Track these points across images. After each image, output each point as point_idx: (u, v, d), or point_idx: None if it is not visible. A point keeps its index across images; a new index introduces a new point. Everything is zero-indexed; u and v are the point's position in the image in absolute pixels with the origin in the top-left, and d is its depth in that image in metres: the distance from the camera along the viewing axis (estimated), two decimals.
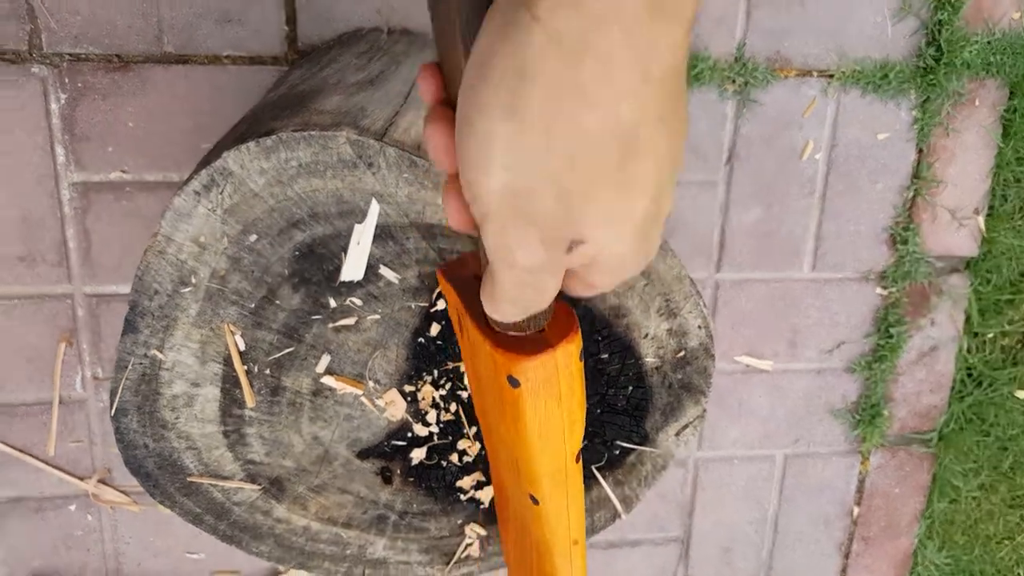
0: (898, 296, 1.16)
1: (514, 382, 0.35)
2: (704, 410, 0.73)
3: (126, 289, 0.96)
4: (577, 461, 0.41)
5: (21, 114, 0.88)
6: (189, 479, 0.64)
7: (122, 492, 1.04)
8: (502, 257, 0.28)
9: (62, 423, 1.00)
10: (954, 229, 1.13)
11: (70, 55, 0.87)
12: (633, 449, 0.71)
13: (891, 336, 1.17)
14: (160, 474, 0.64)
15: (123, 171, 0.91)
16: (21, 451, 1.00)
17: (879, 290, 1.16)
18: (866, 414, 1.21)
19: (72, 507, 1.04)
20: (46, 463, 1.01)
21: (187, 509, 0.65)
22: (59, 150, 0.89)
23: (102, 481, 1.03)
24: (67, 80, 0.87)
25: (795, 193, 1.08)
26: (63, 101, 0.88)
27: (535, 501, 0.43)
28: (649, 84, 0.24)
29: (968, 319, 1.19)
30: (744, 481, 1.21)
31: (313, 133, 0.57)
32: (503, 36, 0.24)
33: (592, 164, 0.25)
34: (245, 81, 0.90)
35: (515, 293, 0.30)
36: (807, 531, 1.27)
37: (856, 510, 1.27)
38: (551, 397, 0.36)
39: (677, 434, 0.72)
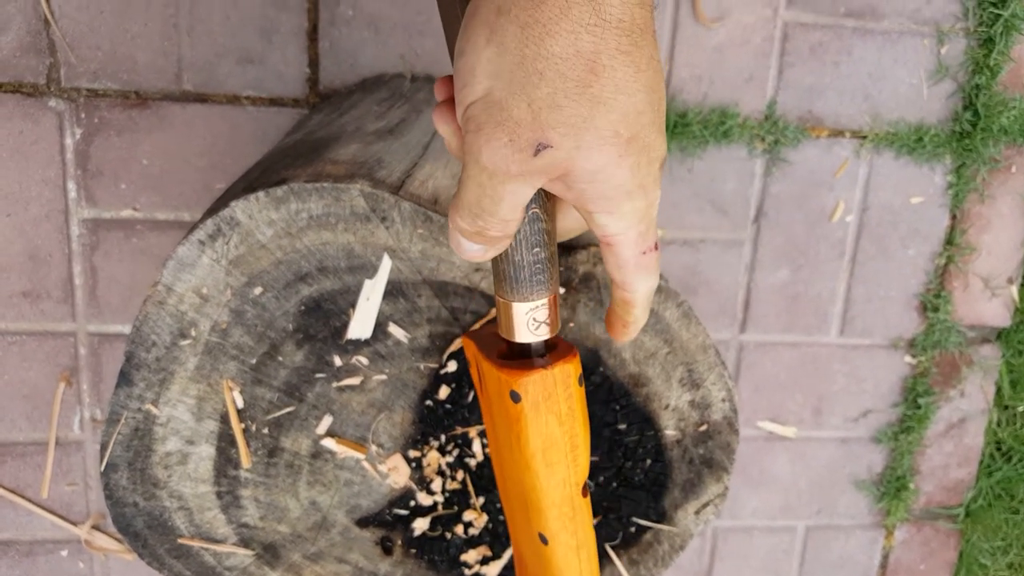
0: (927, 365, 1.11)
1: (515, 396, 0.39)
2: (726, 488, 0.68)
3: (130, 329, 0.93)
4: (584, 495, 0.43)
5: (35, 148, 0.87)
6: (180, 541, 0.60)
7: (116, 539, 1.00)
8: (473, 155, 0.33)
9: (57, 465, 0.96)
10: (987, 298, 1.09)
11: (88, 90, 0.86)
12: (650, 527, 0.67)
13: (919, 406, 1.12)
14: (149, 534, 0.60)
15: (135, 209, 0.89)
16: (13, 492, 0.97)
17: (908, 358, 1.11)
18: (891, 486, 1.16)
19: (64, 552, 1.00)
20: (39, 506, 0.98)
21: (176, 572, 0.61)
22: (71, 185, 0.88)
23: (96, 527, 0.99)
24: (83, 115, 0.86)
25: (824, 255, 1.05)
26: (78, 136, 0.87)
27: (544, 540, 0.44)
28: (604, 22, 0.30)
29: (999, 391, 1.14)
30: (764, 553, 1.15)
31: (326, 184, 0.54)
32: None
33: (556, 79, 0.30)
34: (264, 122, 0.89)
35: (475, 196, 0.34)
36: None
37: None
38: (551, 414, 0.39)
39: (697, 512, 0.68)
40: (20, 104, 0.85)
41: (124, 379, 0.56)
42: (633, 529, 0.66)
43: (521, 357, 0.42)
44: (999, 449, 1.17)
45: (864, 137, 0.99)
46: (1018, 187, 1.05)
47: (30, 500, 0.97)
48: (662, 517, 0.67)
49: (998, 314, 1.10)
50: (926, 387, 1.12)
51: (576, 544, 0.44)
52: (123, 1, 0.83)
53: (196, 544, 0.61)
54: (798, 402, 1.10)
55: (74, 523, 0.99)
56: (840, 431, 1.13)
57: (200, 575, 0.62)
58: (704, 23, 0.92)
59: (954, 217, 1.05)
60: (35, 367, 0.93)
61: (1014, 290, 1.09)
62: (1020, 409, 1.16)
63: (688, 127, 0.93)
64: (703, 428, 0.66)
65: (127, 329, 0.93)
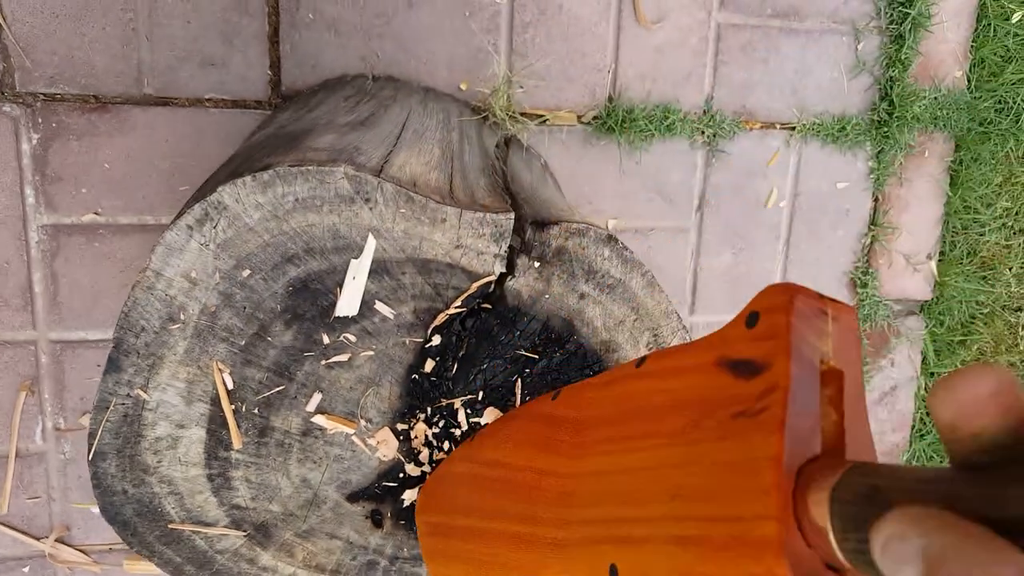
0: (861, 339, 1.20)
1: None
2: None
3: (94, 335, 0.92)
4: None
5: None
6: (170, 526, 0.61)
7: (80, 551, 0.97)
8: None
9: (18, 478, 0.94)
10: (909, 274, 1.19)
11: (44, 95, 0.85)
12: None
13: None
14: (139, 522, 0.61)
15: (96, 213, 0.89)
16: None
17: None
18: None
19: (26, 569, 0.97)
20: None
21: (167, 559, 0.62)
22: (28, 191, 0.87)
23: (60, 540, 0.96)
24: (40, 120, 0.86)
25: (762, 239, 1.12)
26: (35, 141, 0.86)
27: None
28: None
29: (924, 359, 1.24)
30: None
31: (311, 168, 0.57)
32: None
33: None
34: (226, 124, 0.90)
35: None
36: None
37: None
38: None
39: None
40: None
41: (112, 365, 0.57)
42: None
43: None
44: (928, 415, 1.27)
45: (793, 128, 1.08)
46: (932, 171, 1.15)
47: None
48: None
49: (920, 288, 1.20)
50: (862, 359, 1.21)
51: None
52: (79, 5, 0.84)
53: (187, 529, 0.62)
54: None
55: (37, 537, 0.96)
56: None
57: (191, 560, 0.63)
58: (645, 25, 0.99)
59: (876, 200, 1.15)
60: None
61: (933, 265, 1.19)
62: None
63: (635, 122, 1.00)
64: None
65: (91, 335, 0.92)
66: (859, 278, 1.17)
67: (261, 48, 0.89)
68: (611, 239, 0.65)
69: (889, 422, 1.25)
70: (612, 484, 0.37)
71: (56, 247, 0.89)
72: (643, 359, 0.38)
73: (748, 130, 1.07)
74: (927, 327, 1.22)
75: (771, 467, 0.26)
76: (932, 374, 1.25)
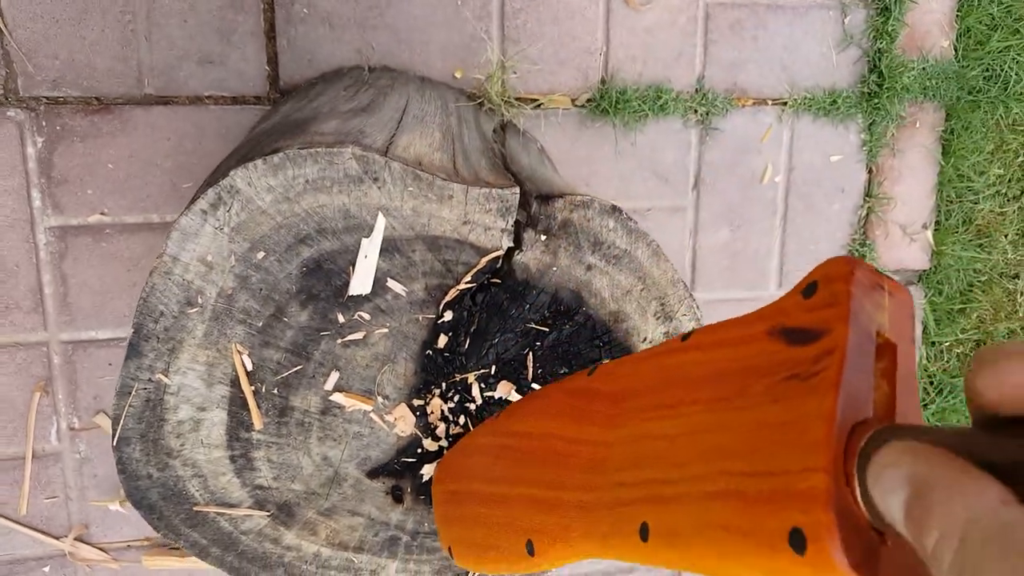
0: None
1: None
2: None
3: (104, 334, 0.93)
4: None
5: None
6: (195, 508, 0.62)
7: (100, 549, 0.98)
8: None
9: (35, 479, 0.94)
10: (906, 244, 1.20)
11: (47, 98, 0.86)
12: None
13: None
14: (164, 505, 0.62)
15: (103, 213, 0.90)
16: None
17: None
18: None
19: (47, 568, 0.98)
20: (18, 523, 0.95)
21: (193, 541, 0.63)
22: (35, 194, 0.88)
23: (79, 539, 0.97)
24: (44, 123, 0.87)
25: (758, 215, 1.14)
26: (40, 144, 0.87)
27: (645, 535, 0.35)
28: None
29: (925, 329, 1.25)
30: None
31: (319, 150, 0.58)
32: None
33: None
34: (227, 121, 0.91)
35: None
36: None
37: None
38: None
39: None
40: None
41: (133, 351, 0.58)
42: None
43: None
44: (931, 383, 1.29)
45: (784, 104, 1.10)
46: (923, 140, 1.17)
47: (8, 518, 0.95)
48: None
49: (917, 258, 1.22)
50: None
51: None
52: (78, 9, 0.85)
53: (212, 510, 0.63)
54: None
55: (56, 537, 0.97)
56: None
57: (217, 541, 0.64)
58: (634, 7, 1.00)
59: (870, 171, 1.16)
60: (8, 380, 0.91)
61: (929, 235, 1.21)
62: (945, 344, 1.28)
63: (628, 103, 1.01)
64: None
65: (101, 335, 0.93)
66: (856, 250, 1.18)
67: (258, 44, 0.90)
68: (615, 210, 0.66)
69: None
70: (648, 448, 0.37)
71: (64, 248, 0.90)
72: (689, 333, 0.38)
73: (740, 107, 1.08)
74: (926, 296, 1.23)
75: (824, 422, 0.26)
76: (933, 343, 1.27)
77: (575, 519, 0.42)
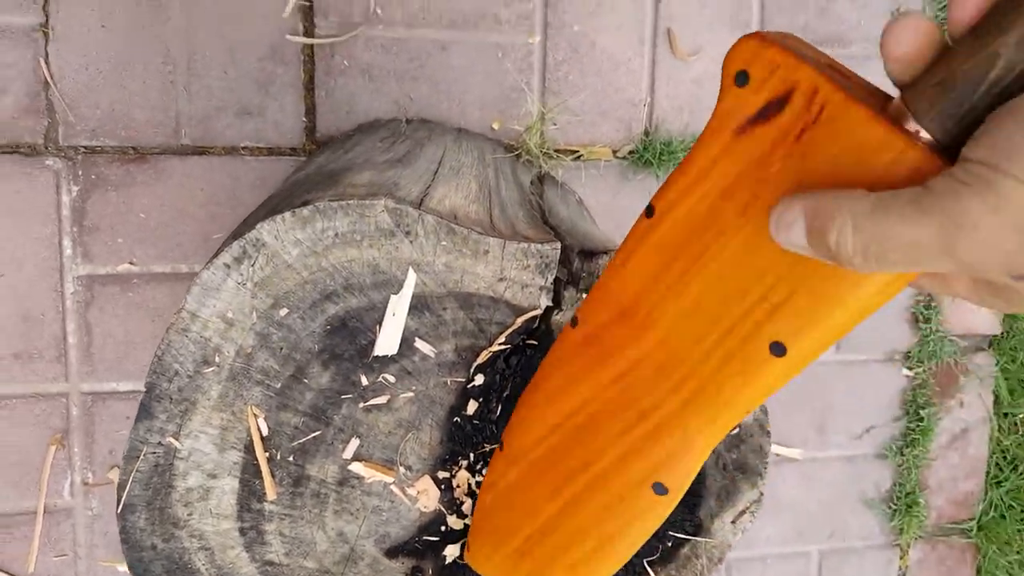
0: (924, 377, 1.13)
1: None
2: (761, 494, 0.67)
3: (125, 386, 0.90)
4: None
5: (31, 206, 0.86)
6: None
7: None
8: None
9: (46, 535, 0.91)
10: (975, 307, 1.12)
11: (85, 147, 0.86)
12: (687, 540, 0.65)
13: (921, 419, 1.13)
14: None
15: (131, 263, 0.88)
16: None
17: (905, 371, 1.13)
18: (901, 503, 1.15)
19: None
20: None
21: None
22: (66, 242, 0.87)
23: None
24: (80, 172, 0.86)
25: None
26: (75, 193, 0.86)
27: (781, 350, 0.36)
28: None
29: (997, 399, 1.16)
30: None
31: (351, 202, 0.55)
32: None
33: None
34: (262, 172, 0.90)
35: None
36: None
37: None
38: None
39: (733, 521, 0.67)
40: (17, 164, 0.85)
41: (144, 412, 0.54)
42: (670, 543, 0.65)
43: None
44: (1005, 458, 1.18)
45: None
46: None
47: None
48: (699, 529, 0.65)
49: (987, 322, 1.13)
50: (926, 399, 1.13)
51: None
52: (121, 61, 0.85)
53: None
54: (801, 422, 1.11)
55: None
56: (845, 449, 1.13)
57: None
58: (681, 57, 0.97)
59: None
60: (25, 431, 0.89)
61: None
62: (1020, 416, 1.18)
63: (673, 154, 0.97)
64: (734, 432, 0.65)
65: (122, 387, 0.90)
66: (921, 312, 1.11)
67: (296, 96, 0.89)
68: None
69: (961, 467, 1.17)
70: (707, 302, 0.38)
71: (90, 297, 0.88)
72: (650, 207, 0.39)
73: None
74: (998, 364, 1.14)
75: (872, 119, 0.29)
76: (1005, 414, 1.17)
77: (690, 417, 0.41)
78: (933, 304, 1.11)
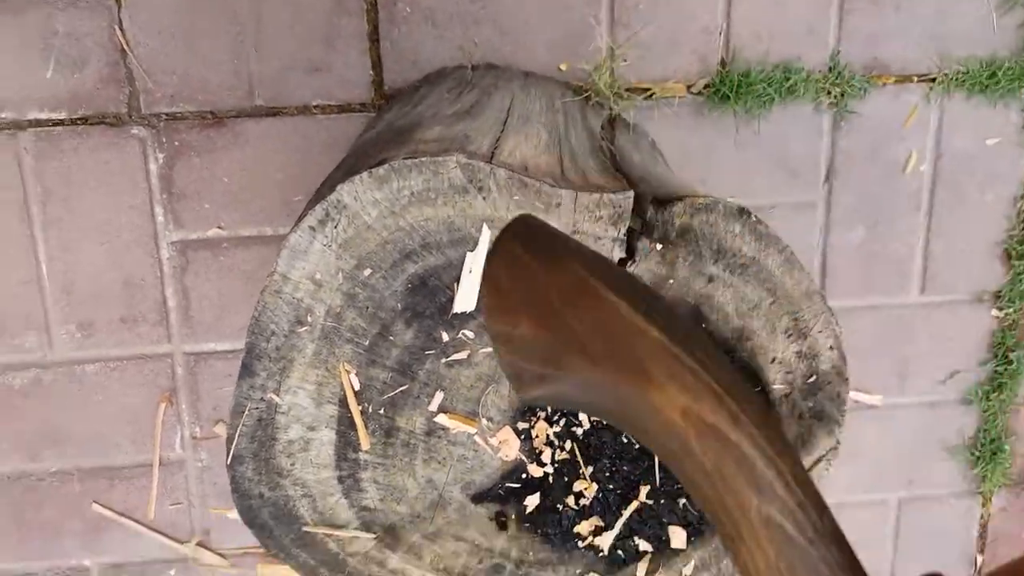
0: (1015, 317, 1.07)
1: None
2: (838, 442, 0.66)
3: (224, 346, 0.96)
4: None
5: (122, 176, 0.90)
6: (304, 529, 0.61)
7: (219, 555, 1.02)
8: None
9: (162, 485, 0.99)
10: None
11: (167, 114, 0.89)
12: None
13: (1010, 362, 1.07)
14: (275, 525, 0.61)
15: (220, 227, 0.92)
16: (123, 515, 1.00)
17: (994, 312, 1.07)
18: (986, 450, 1.11)
19: (172, 572, 1.03)
20: (147, 527, 1.00)
21: (302, 562, 0.62)
22: (158, 209, 0.91)
23: (201, 544, 1.01)
24: (164, 139, 0.90)
25: (900, 210, 1.02)
26: (161, 160, 0.90)
27: None
28: None
29: None
30: (857, 528, 1.11)
31: (424, 160, 0.55)
32: None
33: None
34: (333, 130, 0.91)
35: None
36: None
37: (980, 558, 1.15)
38: None
39: (810, 469, 0.66)
40: (104, 134, 0.89)
41: (246, 370, 0.58)
42: None
43: None
44: None
45: (933, 80, 0.97)
46: None
47: (138, 522, 1.00)
48: None
49: None
50: (1015, 340, 1.07)
51: None
52: (190, 23, 0.87)
53: (321, 531, 0.62)
54: (882, 368, 1.07)
55: (180, 541, 1.01)
56: (928, 395, 1.08)
57: (325, 563, 0.63)
58: None
59: None
60: (136, 391, 0.96)
61: None
62: None
63: (752, 86, 0.92)
64: (811, 379, 0.64)
65: (220, 346, 0.96)
66: (1014, 248, 1.04)
67: (362, 48, 0.89)
68: (743, 212, 0.59)
69: None
70: None
71: (185, 262, 0.93)
72: None
73: (881, 86, 0.97)
74: None
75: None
76: None
77: None
78: None
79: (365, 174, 0.55)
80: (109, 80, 0.88)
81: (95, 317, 0.93)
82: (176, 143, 0.90)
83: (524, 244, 0.32)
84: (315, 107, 0.91)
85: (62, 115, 0.88)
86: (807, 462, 0.66)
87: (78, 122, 0.89)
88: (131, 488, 0.99)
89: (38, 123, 0.89)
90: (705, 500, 0.28)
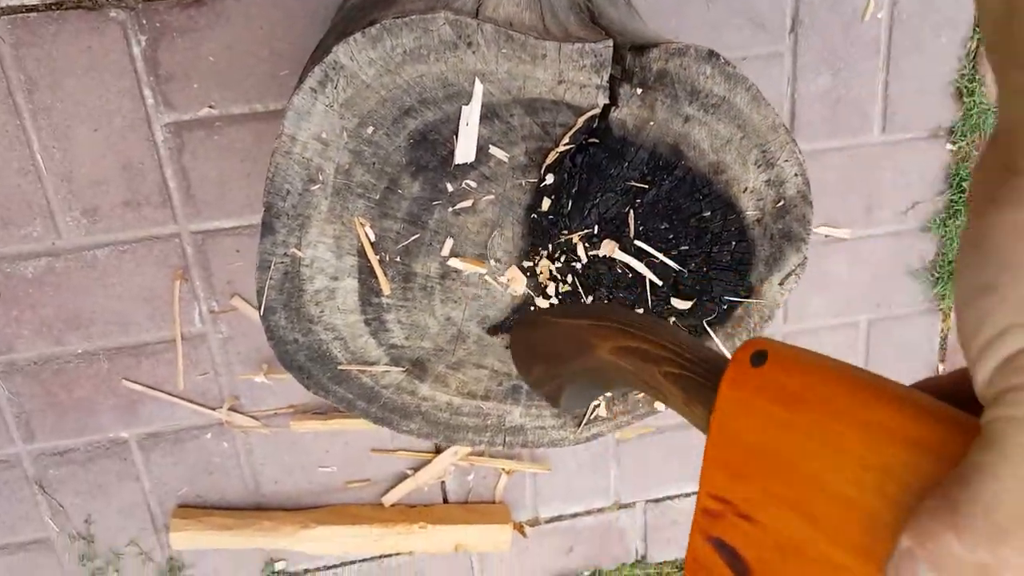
0: (968, 150, 1.15)
1: None
2: (805, 257, 0.75)
3: (229, 223, 1.00)
4: None
5: (106, 60, 0.91)
6: (340, 368, 0.69)
7: (252, 417, 1.11)
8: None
9: (187, 358, 1.06)
10: None
11: None
12: (740, 302, 0.74)
13: (964, 191, 1.16)
14: (312, 366, 0.69)
15: (211, 106, 0.94)
16: (154, 388, 1.08)
17: (949, 146, 1.15)
18: (943, 271, 1.22)
19: (208, 435, 1.12)
20: (178, 397, 1.08)
21: (340, 397, 0.70)
22: (147, 92, 0.93)
23: (232, 408, 1.10)
24: (144, 21, 0.90)
25: (860, 56, 1.07)
26: (144, 43, 0.91)
27: None
28: None
29: None
30: (831, 349, 1.24)
31: (414, 17, 0.59)
32: None
33: None
34: (312, 2, 0.92)
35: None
36: None
37: (941, 367, 1.29)
38: None
39: (781, 283, 0.75)
40: (82, 19, 0.89)
41: (267, 228, 0.63)
42: (725, 306, 0.74)
43: None
44: None
45: None
46: None
47: (170, 393, 1.08)
48: (750, 292, 0.74)
49: None
50: (968, 172, 1.16)
51: None
52: None
53: (354, 369, 0.70)
54: (850, 203, 1.16)
55: (212, 408, 1.10)
56: (891, 226, 1.18)
57: (361, 396, 0.71)
58: None
59: None
60: (149, 271, 1.01)
61: None
62: None
63: None
64: (780, 204, 0.72)
65: (226, 224, 1.00)
66: (965, 86, 1.10)
67: None
68: (712, 55, 0.64)
69: None
70: None
71: (181, 143, 0.96)
72: None
73: None
74: None
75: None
76: None
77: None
78: (977, 77, 1.10)
79: (359, 34, 0.58)
80: None
81: (98, 203, 0.97)
82: (157, 24, 0.90)
83: (519, 325, 0.58)
84: None
85: (35, 0, 0.88)
86: (779, 277, 0.75)
87: (53, 7, 0.89)
88: (158, 363, 1.07)
89: (11, 9, 0.88)
90: (639, 385, 0.43)
